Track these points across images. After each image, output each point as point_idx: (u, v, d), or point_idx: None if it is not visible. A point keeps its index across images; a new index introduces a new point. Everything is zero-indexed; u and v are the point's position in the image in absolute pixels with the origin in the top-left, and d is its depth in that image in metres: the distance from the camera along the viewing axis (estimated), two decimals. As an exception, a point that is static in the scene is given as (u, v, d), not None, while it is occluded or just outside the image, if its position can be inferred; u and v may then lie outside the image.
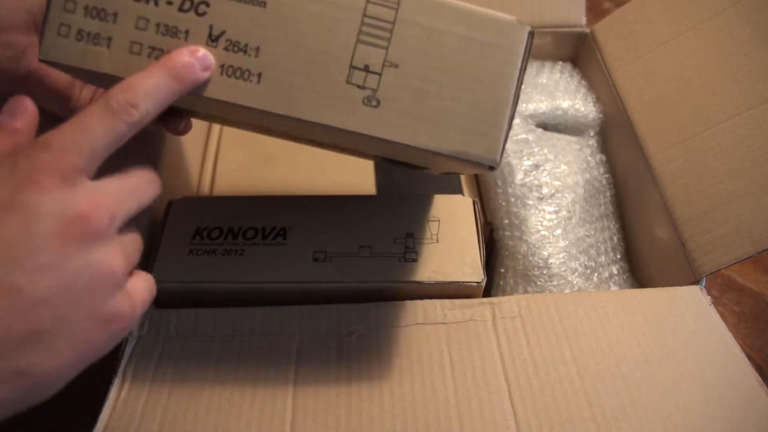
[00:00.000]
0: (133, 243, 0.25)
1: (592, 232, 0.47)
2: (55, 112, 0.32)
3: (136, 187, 0.25)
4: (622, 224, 0.50)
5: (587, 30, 0.56)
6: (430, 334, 0.34)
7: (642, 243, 0.48)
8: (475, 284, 0.37)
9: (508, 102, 0.26)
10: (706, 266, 0.39)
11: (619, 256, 0.48)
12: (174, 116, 0.34)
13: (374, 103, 0.26)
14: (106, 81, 0.27)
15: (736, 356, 0.33)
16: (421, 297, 0.36)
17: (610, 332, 0.34)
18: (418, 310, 0.35)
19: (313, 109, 0.26)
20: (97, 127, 0.23)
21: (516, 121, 0.50)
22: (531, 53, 0.63)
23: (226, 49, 0.26)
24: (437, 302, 0.36)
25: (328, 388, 0.32)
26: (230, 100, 0.26)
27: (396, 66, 0.26)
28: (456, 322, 0.35)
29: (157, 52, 0.26)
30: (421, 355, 0.33)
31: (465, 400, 0.31)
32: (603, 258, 0.47)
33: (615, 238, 0.49)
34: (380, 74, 0.26)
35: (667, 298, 0.36)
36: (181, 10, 0.26)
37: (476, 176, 0.51)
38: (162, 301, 0.39)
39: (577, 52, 0.58)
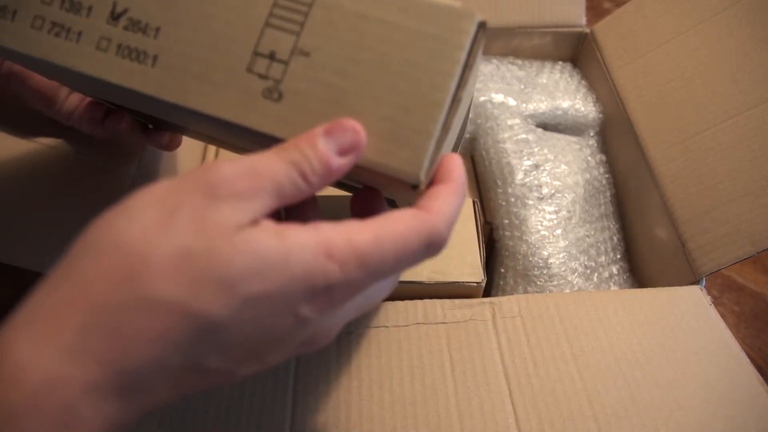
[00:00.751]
0: None
1: (592, 232, 0.47)
2: (42, 112, 0.32)
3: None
4: (622, 224, 0.50)
5: (587, 30, 0.56)
6: (430, 334, 0.34)
7: (642, 243, 0.48)
8: (475, 284, 0.37)
9: (443, 105, 0.21)
10: (706, 266, 0.39)
11: (619, 256, 0.48)
12: (158, 131, 0.34)
13: (275, 95, 0.22)
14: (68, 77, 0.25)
15: (736, 355, 0.33)
16: (421, 297, 0.36)
17: (611, 331, 0.34)
18: (418, 310, 0.35)
19: (206, 99, 0.23)
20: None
21: (516, 121, 0.50)
22: (532, 53, 0.63)
23: (125, 28, 0.23)
24: (437, 302, 0.36)
25: (328, 387, 0.32)
26: (119, 82, 0.24)
27: (307, 55, 0.22)
28: (456, 322, 0.35)
29: (58, 28, 0.24)
30: (421, 354, 0.33)
31: (465, 399, 0.31)
32: (603, 258, 0.47)
33: (615, 238, 0.49)
34: (287, 63, 0.22)
35: (667, 298, 0.36)
36: None
37: (476, 176, 0.51)
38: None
39: (577, 52, 0.58)
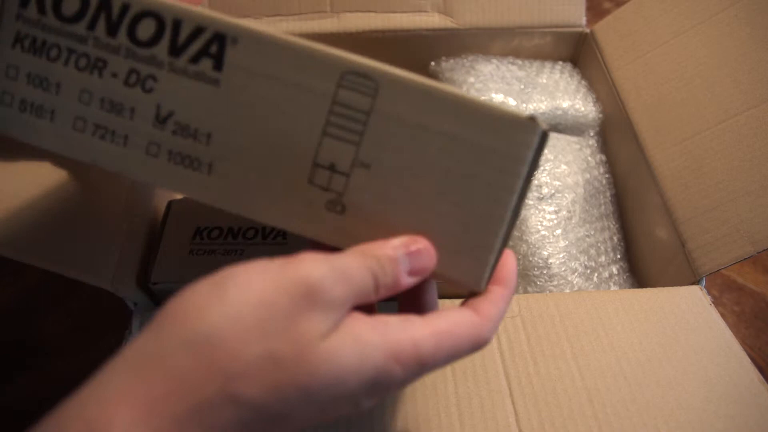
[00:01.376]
0: None
1: (592, 232, 0.47)
2: None
3: None
4: (622, 224, 0.50)
5: (587, 30, 0.56)
6: (430, 334, 0.34)
7: (642, 243, 0.48)
8: (475, 284, 0.37)
9: (503, 220, 0.21)
10: (706, 266, 0.39)
11: (619, 256, 0.48)
12: None
13: (339, 208, 0.22)
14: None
15: (737, 354, 0.33)
16: (421, 297, 0.36)
17: (611, 331, 0.34)
18: (418, 309, 0.35)
19: (269, 209, 0.22)
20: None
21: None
22: (532, 53, 0.63)
23: (174, 132, 0.22)
24: (437, 302, 0.36)
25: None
26: (176, 189, 0.23)
27: (368, 167, 0.21)
28: (456, 322, 0.35)
29: (102, 131, 0.23)
30: (421, 354, 0.33)
31: (465, 398, 0.31)
32: (603, 258, 0.47)
33: (615, 238, 0.49)
34: (348, 176, 0.21)
35: (667, 298, 0.36)
36: (126, 83, 0.23)
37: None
38: (162, 301, 0.39)
39: (577, 52, 0.58)
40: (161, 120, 0.22)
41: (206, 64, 0.22)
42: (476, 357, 0.33)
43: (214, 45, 0.22)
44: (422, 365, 0.20)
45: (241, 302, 0.19)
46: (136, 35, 0.22)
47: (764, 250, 0.36)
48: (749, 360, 0.33)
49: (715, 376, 0.32)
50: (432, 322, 0.21)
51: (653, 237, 0.45)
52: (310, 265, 0.19)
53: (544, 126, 0.21)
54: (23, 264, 0.30)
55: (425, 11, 0.54)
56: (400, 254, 0.21)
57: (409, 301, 0.26)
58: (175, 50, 0.22)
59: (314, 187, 0.22)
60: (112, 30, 0.22)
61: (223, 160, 0.22)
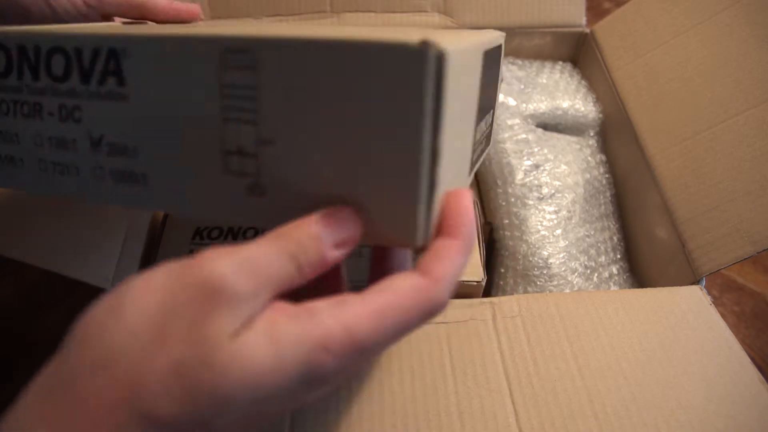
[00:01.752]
0: None
1: (592, 232, 0.47)
2: None
3: None
4: (622, 224, 0.50)
5: (587, 30, 0.56)
6: (430, 333, 0.34)
7: (642, 243, 0.48)
8: (475, 283, 0.37)
9: (419, 163, 0.19)
10: (706, 266, 0.39)
11: (619, 256, 0.48)
12: None
13: (258, 191, 0.21)
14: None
15: (737, 354, 0.33)
16: (421, 296, 0.36)
17: (611, 331, 0.34)
18: (418, 309, 0.35)
19: (200, 206, 0.22)
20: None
21: (516, 121, 0.50)
22: (532, 53, 0.62)
23: (108, 154, 0.23)
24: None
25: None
26: (128, 205, 0.24)
27: (273, 143, 0.20)
28: (456, 322, 0.35)
29: (60, 167, 0.24)
30: (421, 353, 0.33)
31: (465, 397, 0.31)
32: (603, 258, 0.47)
33: (615, 238, 0.49)
34: (256, 156, 0.21)
35: (667, 298, 0.36)
36: (61, 119, 0.24)
37: (476, 176, 0.51)
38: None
39: (577, 52, 0.58)
40: (95, 145, 0.23)
41: (111, 83, 0.22)
42: (476, 357, 0.33)
43: (112, 62, 0.22)
44: (361, 350, 0.18)
45: (138, 315, 0.18)
46: (53, 73, 0.23)
47: (764, 250, 0.36)
48: (749, 360, 0.33)
49: (715, 376, 0.32)
50: (370, 300, 0.19)
51: (653, 237, 0.45)
52: (211, 262, 0.18)
53: (440, 47, 0.18)
54: (23, 264, 0.30)
55: (425, 11, 0.54)
56: (320, 229, 0.20)
57: (377, 267, 0.25)
58: (85, 77, 0.23)
59: (231, 175, 0.21)
60: (35, 74, 0.24)
61: (153, 169, 0.23)
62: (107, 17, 0.31)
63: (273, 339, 0.18)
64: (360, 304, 0.19)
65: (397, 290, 0.19)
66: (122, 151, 0.23)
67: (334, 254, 0.20)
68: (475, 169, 0.26)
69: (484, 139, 0.28)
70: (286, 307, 0.19)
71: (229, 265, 0.18)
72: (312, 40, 0.19)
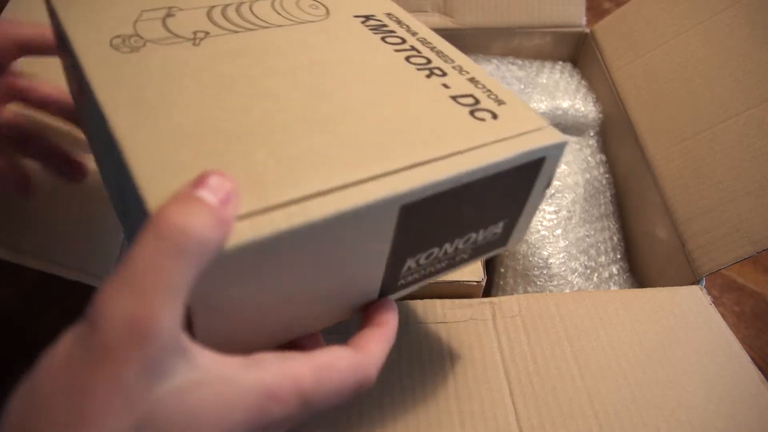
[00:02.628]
0: None
1: (592, 232, 0.47)
2: None
3: None
4: (622, 224, 0.50)
5: (587, 30, 0.56)
6: (430, 333, 0.34)
7: (642, 243, 0.48)
8: (475, 283, 0.37)
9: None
10: (706, 266, 0.39)
11: (619, 256, 0.48)
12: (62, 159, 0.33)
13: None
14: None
15: (737, 353, 0.33)
16: (421, 297, 0.36)
17: (611, 330, 0.34)
18: (418, 309, 0.35)
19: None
20: None
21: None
22: (532, 53, 0.62)
23: None
24: (437, 302, 0.36)
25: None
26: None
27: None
28: (456, 322, 0.35)
29: None
30: (421, 353, 0.33)
31: (466, 397, 0.31)
32: (603, 258, 0.47)
33: (615, 238, 0.49)
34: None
35: (667, 298, 0.36)
36: None
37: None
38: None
39: (577, 52, 0.58)
40: None
41: None
42: (476, 357, 0.33)
43: None
44: (305, 400, 0.19)
45: (47, 407, 0.15)
46: None
47: (764, 250, 0.36)
48: (750, 360, 0.33)
49: (715, 376, 0.32)
50: (312, 356, 0.20)
51: (653, 237, 0.45)
52: (96, 318, 0.16)
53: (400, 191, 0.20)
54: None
55: (425, 11, 0.54)
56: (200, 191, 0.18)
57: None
58: None
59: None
60: None
61: None
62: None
63: (221, 385, 0.17)
64: (304, 359, 0.20)
65: (338, 355, 0.21)
66: None
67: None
68: (412, 288, 0.26)
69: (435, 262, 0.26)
70: (230, 359, 0.19)
71: (119, 318, 0.15)
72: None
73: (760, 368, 0.33)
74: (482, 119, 0.23)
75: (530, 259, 0.44)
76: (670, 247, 0.42)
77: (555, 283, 0.44)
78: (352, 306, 0.24)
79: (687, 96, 0.44)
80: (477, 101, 0.24)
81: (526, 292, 0.43)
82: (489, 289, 0.46)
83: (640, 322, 0.34)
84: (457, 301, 0.36)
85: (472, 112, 0.24)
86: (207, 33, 0.26)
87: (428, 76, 0.26)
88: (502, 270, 0.46)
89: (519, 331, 0.34)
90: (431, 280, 0.27)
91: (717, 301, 0.56)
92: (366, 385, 0.22)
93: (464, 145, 0.22)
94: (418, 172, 0.20)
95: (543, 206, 0.46)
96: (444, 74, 0.26)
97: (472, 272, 0.37)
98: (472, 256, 0.27)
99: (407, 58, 0.26)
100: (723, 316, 0.35)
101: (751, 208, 0.38)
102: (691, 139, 0.43)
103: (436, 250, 0.24)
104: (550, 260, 0.44)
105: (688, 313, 0.35)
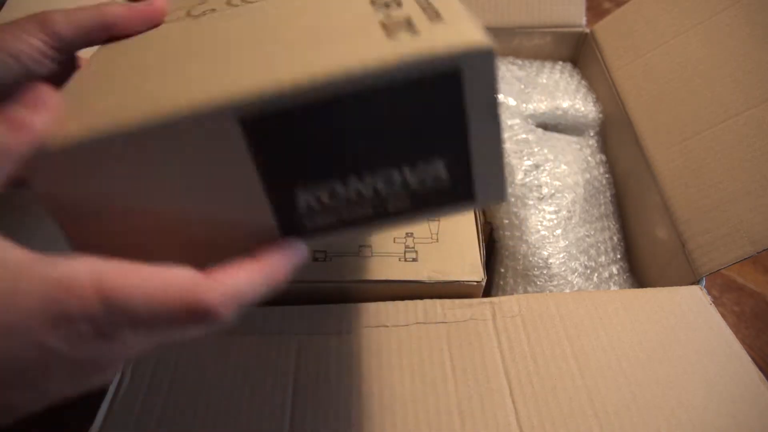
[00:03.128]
0: None
1: (592, 232, 0.47)
2: None
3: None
4: (622, 224, 0.50)
5: (587, 30, 0.56)
6: (430, 333, 0.34)
7: (642, 243, 0.48)
8: (475, 283, 0.37)
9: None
10: (706, 266, 0.39)
11: (619, 256, 0.48)
12: None
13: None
14: None
15: (737, 353, 0.33)
16: (421, 297, 0.36)
17: (611, 330, 0.34)
18: (418, 309, 0.35)
19: None
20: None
21: (516, 121, 0.50)
22: (532, 53, 0.62)
23: None
24: (437, 302, 0.36)
25: (328, 384, 0.32)
26: None
27: None
28: (456, 322, 0.35)
29: None
30: (422, 352, 0.33)
31: (466, 396, 0.31)
32: (603, 258, 0.47)
33: (615, 238, 0.49)
34: None
35: (667, 298, 0.36)
36: None
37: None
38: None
39: (577, 52, 0.58)
40: None
41: None
42: (476, 356, 0.33)
43: None
44: (107, 300, 0.18)
45: None
46: None
47: (764, 250, 0.36)
48: (750, 359, 0.33)
49: (715, 375, 0.32)
50: (142, 269, 0.19)
51: (653, 237, 0.45)
52: None
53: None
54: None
55: (425, 11, 0.54)
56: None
57: None
58: None
59: None
60: None
61: None
62: (74, 53, 0.30)
63: (16, 273, 0.18)
64: (131, 267, 0.19)
65: (174, 270, 0.19)
66: None
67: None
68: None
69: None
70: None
71: None
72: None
73: (761, 368, 0.33)
74: (396, 38, 0.20)
75: (530, 259, 0.44)
76: (670, 247, 0.42)
77: (555, 283, 0.44)
78: (249, 240, 0.22)
79: (687, 96, 0.44)
80: (407, 19, 0.21)
81: (526, 292, 0.43)
82: (489, 289, 0.46)
83: (640, 322, 0.34)
84: (457, 301, 0.36)
85: (387, 31, 0.20)
86: (213, 10, 0.27)
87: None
88: (502, 270, 0.46)
89: (519, 330, 0.34)
90: (361, 231, 0.23)
91: (717, 301, 0.56)
92: (201, 316, 0.19)
93: (338, 60, 0.19)
94: (254, 82, 0.19)
95: (543, 206, 0.46)
96: None
97: (472, 272, 0.37)
98: (416, 208, 0.22)
99: None
100: (723, 316, 0.35)
101: (751, 208, 0.38)
102: (691, 139, 0.43)
103: (338, 185, 0.21)
104: (550, 260, 0.44)
105: (688, 313, 0.35)
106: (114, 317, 0.18)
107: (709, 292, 0.37)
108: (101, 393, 0.32)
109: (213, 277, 0.19)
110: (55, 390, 0.19)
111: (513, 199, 0.46)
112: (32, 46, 0.26)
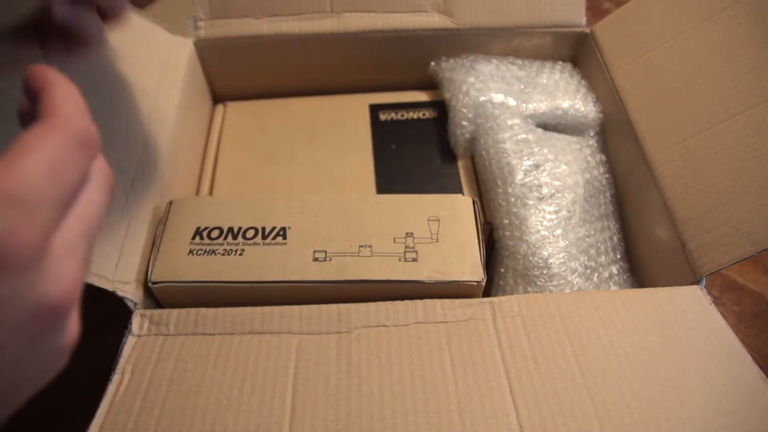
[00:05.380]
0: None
1: (592, 232, 0.47)
2: None
3: (98, 211, 0.20)
4: (622, 224, 0.50)
5: (587, 30, 0.56)
6: (430, 332, 0.34)
7: (642, 243, 0.48)
8: (475, 283, 0.37)
9: None
10: (706, 266, 0.39)
11: (619, 256, 0.48)
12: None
13: None
14: None
15: (738, 352, 0.33)
16: (421, 297, 0.36)
17: (611, 329, 0.34)
18: (418, 309, 0.35)
19: None
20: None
21: (516, 121, 0.50)
22: (532, 53, 0.63)
23: None
24: (437, 302, 0.36)
25: (327, 384, 0.32)
26: None
27: None
28: (456, 321, 0.35)
29: None
30: (421, 352, 0.33)
31: (466, 395, 0.31)
32: (603, 258, 0.47)
33: (615, 238, 0.49)
34: None
35: (667, 297, 0.36)
36: None
37: (476, 176, 0.51)
38: (162, 301, 0.39)
39: (577, 52, 0.58)
40: None
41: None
42: (476, 356, 0.33)
43: None
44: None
45: None
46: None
47: (764, 250, 0.36)
48: (750, 358, 0.33)
49: (716, 374, 0.32)
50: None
51: (653, 237, 0.45)
52: None
53: None
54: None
55: (425, 11, 0.54)
56: None
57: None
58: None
59: None
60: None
61: None
62: None
63: None
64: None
65: (29, 134, 0.17)
66: None
67: None
68: None
69: None
70: None
71: None
72: None
73: (761, 368, 0.32)
74: None
75: (530, 259, 0.44)
76: (670, 247, 0.42)
77: (555, 283, 0.44)
78: None
79: (687, 96, 0.44)
80: None
81: (526, 292, 0.43)
82: (489, 289, 0.46)
83: (640, 321, 0.34)
84: (457, 301, 0.36)
85: None
86: None
87: None
88: (502, 270, 0.46)
89: (519, 330, 0.34)
90: None
91: (717, 301, 0.56)
92: (82, 138, 0.18)
93: None
94: None
95: (543, 206, 0.46)
96: None
97: (472, 272, 0.37)
98: None
99: None
100: (723, 316, 0.35)
101: (751, 208, 0.38)
102: (691, 139, 0.43)
103: None
104: (550, 260, 0.44)
105: (688, 312, 0.35)
106: (29, 202, 0.16)
107: (709, 292, 0.37)
108: (100, 392, 0.32)
109: (58, 109, 0.18)
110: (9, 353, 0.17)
111: (513, 199, 0.46)
112: None
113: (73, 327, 0.20)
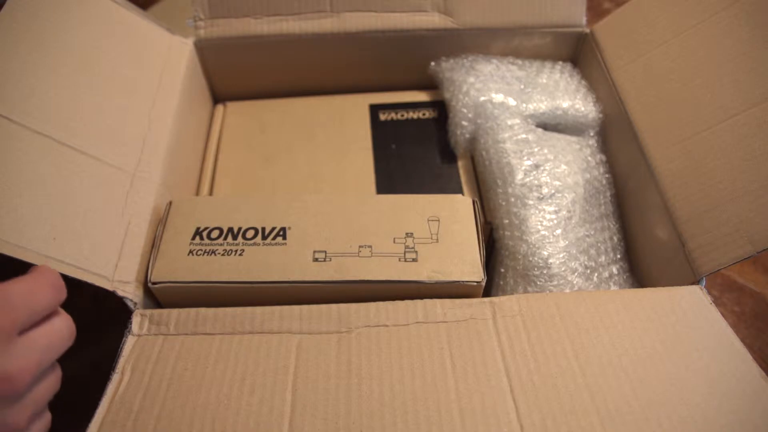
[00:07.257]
0: (44, 390, 0.26)
1: (592, 232, 0.47)
2: None
3: (60, 339, 0.27)
4: (622, 224, 0.50)
5: (587, 30, 0.56)
6: (430, 332, 0.34)
7: (642, 243, 0.48)
8: (475, 283, 0.37)
9: None
10: (706, 266, 0.39)
11: (619, 256, 0.48)
12: None
13: None
14: None
15: (738, 351, 0.33)
16: (421, 297, 0.36)
17: (611, 329, 0.34)
18: (418, 309, 0.35)
19: None
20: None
21: (516, 121, 0.50)
22: (532, 53, 0.63)
23: None
24: (437, 302, 0.36)
25: (327, 383, 0.32)
26: None
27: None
28: (456, 321, 0.35)
29: None
30: (422, 351, 0.33)
31: (466, 395, 0.31)
32: (603, 258, 0.47)
33: (615, 238, 0.49)
34: None
35: (668, 297, 0.36)
36: None
37: (476, 176, 0.51)
38: (162, 301, 0.39)
39: (577, 52, 0.58)
40: None
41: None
42: (476, 355, 0.33)
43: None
44: None
45: None
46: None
47: (764, 250, 0.36)
48: (751, 357, 0.33)
49: (717, 373, 0.32)
50: None
51: (653, 237, 0.45)
52: None
53: None
54: (24, 263, 0.30)
55: (425, 11, 0.54)
56: None
57: None
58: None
59: None
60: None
61: None
62: None
63: None
64: None
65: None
66: None
67: None
68: None
69: None
70: None
71: None
72: None
73: (761, 368, 0.32)
74: None
75: (530, 259, 0.44)
76: (670, 247, 0.42)
77: (555, 283, 0.44)
78: None
79: (687, 96, 0.44)
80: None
81: (526, 292, 0.43)
82: (489, 289, 0.46)
83: (640, 321, 0.34)
84: (457, 301, 0.36)
85: None
86: None
87: None
88: (502, 270, 0.46)
89: (519, 329, 0.34)
90: None
91: (717, 301, 0.56)
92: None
93: None
94: None
95: (543, 206, 0.46)
96: None
97: (472, 272, 0.37)
98: None
99: None
100: (723, 316, 0.35)
101: (751, 208, 0.38)
102: (691, 139, 0.43)
103: None
104: (550, 260, 0.44)
105: (688, 311, 0.35)
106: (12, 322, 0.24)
107: (709, 292, 0.37)
108: (100, 392, 0.32)
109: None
110: None
111: (513, 199, 0.46)
112: None
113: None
